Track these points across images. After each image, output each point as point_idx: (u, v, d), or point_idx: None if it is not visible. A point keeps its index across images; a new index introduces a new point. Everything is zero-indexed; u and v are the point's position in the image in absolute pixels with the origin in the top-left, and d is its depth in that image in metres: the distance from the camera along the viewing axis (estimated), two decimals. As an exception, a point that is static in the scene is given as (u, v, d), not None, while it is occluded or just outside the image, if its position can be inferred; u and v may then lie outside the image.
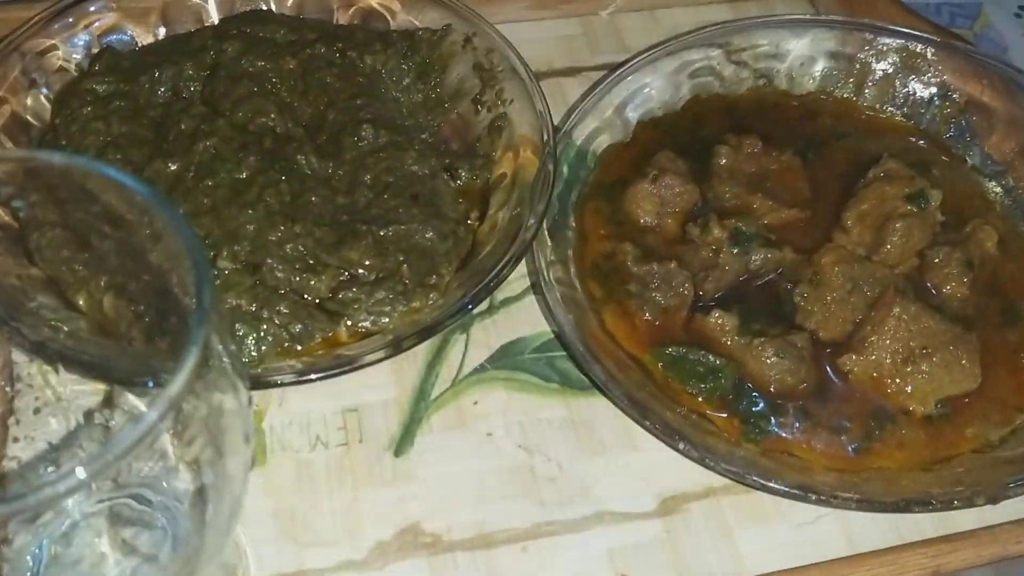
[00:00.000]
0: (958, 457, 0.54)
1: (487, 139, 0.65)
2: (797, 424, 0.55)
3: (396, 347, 0.53)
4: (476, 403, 0.57)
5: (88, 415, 0.47)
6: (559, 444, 0.56)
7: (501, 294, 0.62)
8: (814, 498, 0.50)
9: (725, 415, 0.55)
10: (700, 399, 0.56)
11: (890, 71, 0.70)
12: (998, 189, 0.67)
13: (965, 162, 0.68)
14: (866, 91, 0.71)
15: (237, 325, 0.54)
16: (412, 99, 0.68)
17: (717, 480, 0.54)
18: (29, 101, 0.64)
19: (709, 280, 0.59)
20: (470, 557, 0.52)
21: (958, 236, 0.62)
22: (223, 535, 0.39)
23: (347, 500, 0.53)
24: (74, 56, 0.66)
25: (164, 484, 0.44)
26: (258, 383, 0.52)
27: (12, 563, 0.43)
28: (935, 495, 0.50)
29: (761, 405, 0.56)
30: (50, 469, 0.46)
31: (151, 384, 0.45)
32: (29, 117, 0.63)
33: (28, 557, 0.43)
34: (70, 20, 0.66)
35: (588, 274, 0.61)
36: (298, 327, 0.55)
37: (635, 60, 0.68)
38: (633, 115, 0.68)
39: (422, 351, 0.59)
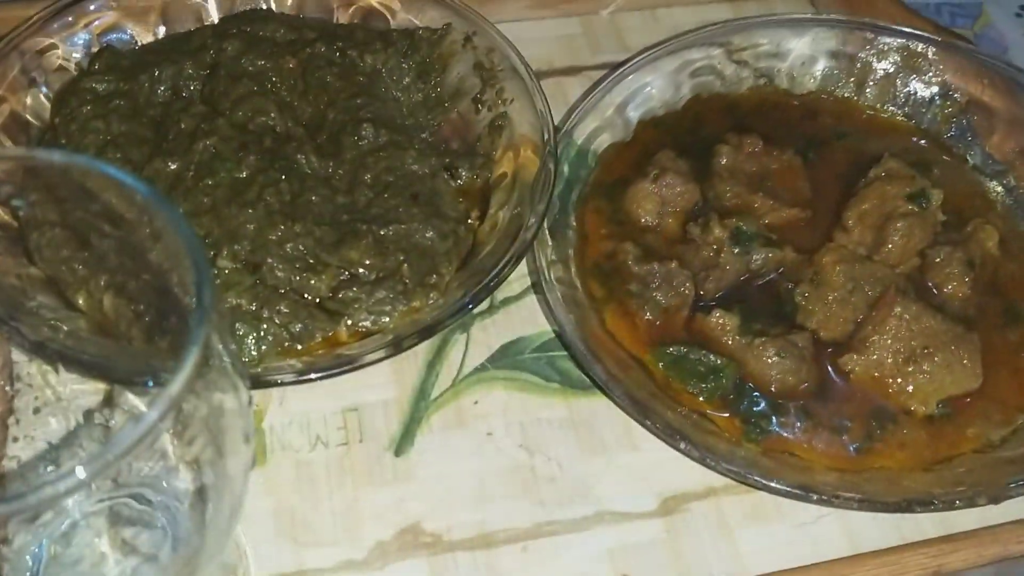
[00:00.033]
0: (959, 457, 0.54)
1: (487, 138, 0.65)
2: (798, 424, 0.55)
3: (396, 347, 0.53)
4: (476, 403, 0.57)
5: (88, 415, 0.46)
6: (560, 444, 0.56)
7: (501, 294, 0.62)
8: (815, 498, 0.50)
9: (726, 415, 0.55)
10: (701, 399, 0.56)
11: (891, 70, 0.70)
12: (999, 189, 0.67)
13: (966, 162, 0.68)
14: (867, 90, 0.71)
15: (237, 324, 0.54)
16: (412, 98, 0.68)
17: (718, 480, 0.54)
18: (29, 100, 0.63)
19: (710, 280, 0.59)
20: (470, 557, 0.52)
21: (959, 236, 0.62)
22: (223, 535, 0.39)
23: (347, 500, 0.53)
24: (74, 55, 0.66)
25: (164, 484, 0.44)
26: (258, 383, 0.52)
27: (12, 563, 0.43)
28: (936, 495, 0.50)
29: (762, 405, 0.55)
30: (50, 469, 0.46)
31: (151, 384, 0.45)
32: (28, 116, 0.63)
33: (28, 557, 0.43)
34: (70, 19, 0.66)
35: (589, 274, 0.60)
36: (298, 326, 0.55)
37: (636, 59, 0.68)
38: (634, 114, 0.68)
39: (422, 351, 0.59)
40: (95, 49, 0.66)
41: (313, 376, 0.52)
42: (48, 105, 0.64)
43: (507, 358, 0.59)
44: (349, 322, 0.56)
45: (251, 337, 0.54)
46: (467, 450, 0.55)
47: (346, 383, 0.55)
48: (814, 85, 0.72)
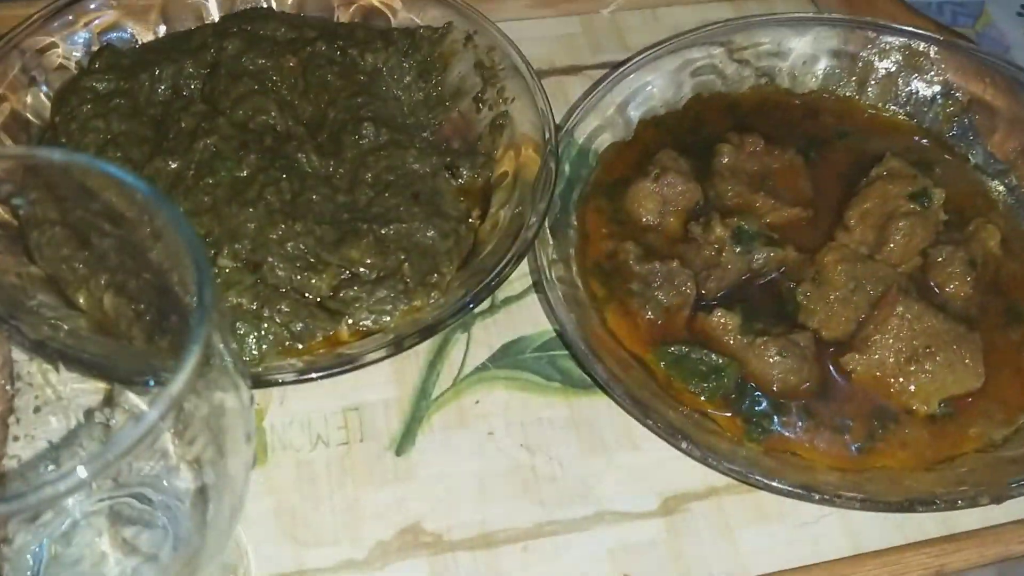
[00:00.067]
0: (961, 457, 0.54)
1: (488, 137, 0.65)
2: (800, 423, 0.55)
3: (397, 346, 0.53)
4: (477, 402, 0.57)
5: (88, 414, 0.46)
6: (561, 443, 0.56)
7: (502, 293, 0.62)
8: (817, 498, 0.50)
9: (728, 414, 0.55)
10: (702, 398, 0.55)
11: (892, 70, 0.70)
12: (1001, 188, 0.67)
13: (968, 161, 0.68)
14: (868, 90, 0.71)
15: (238, 324, 0.54)
16: (413, 97, 0.68)
17: (719, 480, 0.54)
18: (29, 99, 0.63)
19: (711, 279, 0.59)
20: (471, 557, 0.52)
21: (961, 235, 0.62)
22: (224, 534, 0.39)
23: (348, 499, 0.53)
24: (74, 54, 0.66)
25: (165, 483, 0.44)
26: (259, 382, 0.52)
27: (12, 562, 0.42)
28: (938, 495, 0.50)
29: (764, 404, 0.55)
30: (50, 468, 0.46)
31: (152, 383, 0.45)
32: (29, 115, 0.63)
33: (28, 556, 0.43)
34: (70, 18, 0.66)
35: (590, 273, 0.60)
36: (299, 326, 0.55)
37: (637, 58, 0.68)
38: (635, 113, 0.68)
39: (423, 350, 0.59)
40: (95, 48, 0.66)
41: (314, 375, 0.52)
42: (48, 104, 0.64)
43: (508, 357, 0.59)
44: (350, 321, 0.56)
45: (252, 336, 0.54)
46: (468, 450, 0.55)
47: (347, 382, 0.55)
48: (815, 84, 0.71)
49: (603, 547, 0.52)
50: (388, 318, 0.56)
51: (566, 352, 0.59)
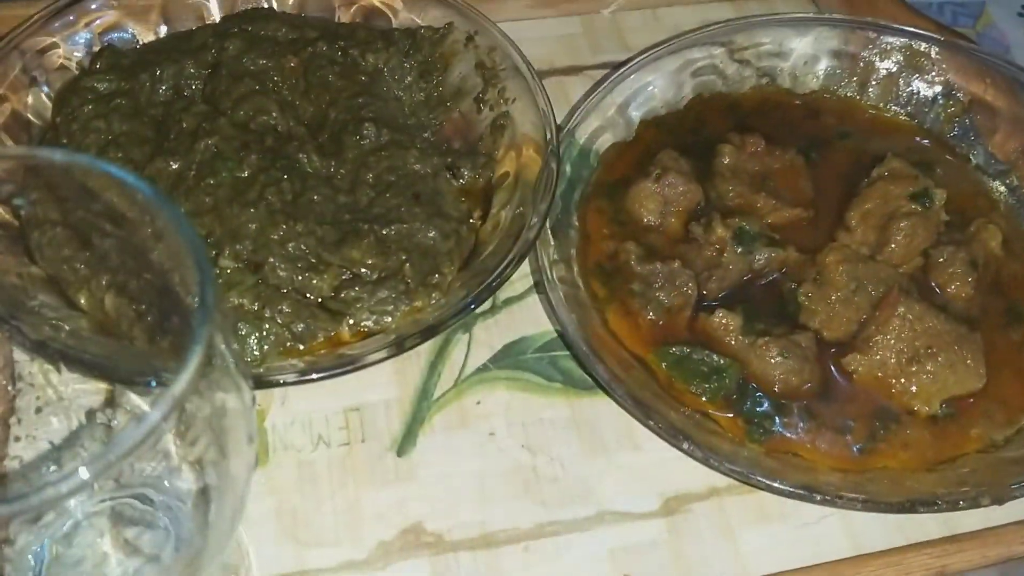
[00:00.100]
0: (963, 457, 0.54)
1: (489, 138, 0.65)
2: (801, 424, 0.55)
3: (398, 347, 0.53)
4: (479, 403, 0.57)
5: (90, 414, 0.46)
6: (562, 444, 0.56)
7: (504, 293, 0.62)
8: (819, 498, 0.50)
9: (729, 415, 0.55)
10: (704, 399, 0.55)
11: (893, 70, 0.70)
12: (1002, 188, 0.67)
13: (969, 161, 0.68)
14: (869, 90, 0.71)
15: (239, 324, 0.54)
16: (414, 98, 0.68)
17: (721, 480, 0.54)
18: (30, 99, 0.63)
19: (713, 279, 0.59)
20: (472, 557, 0.52)
21: (962, 236, 0.62)
22: (225, 535, 0.39)
23: (349, 500, 0.53)
24: (75, 54, 0.66)
25: (167, 484, 0.44)
26: (260, 383, 0.52)
27: (14, 563, 0.42)
28: (940, 496, 0.50)
29: (765, 405, 0.55)
30: (52, 469, 0.46)
31: (153, 384, 0.45)
32: (30, 115, 0.63)
33: (30, 557, 0.43)
34: (71, 18, 0.66)
35: (591, 273, 0.60)
36: (300, 326, 0.55)
37: (638, 59, 0.68)
38: (636, 114, 0.68)
39: (425, 351, 0.59)
40: (96, 48, 0.66)
41: (315, 376, 0.52)
42: (49, 104, 0.64)
43: (509, 358, 0.59)
44: (351, 322, 0.56)
45: (253, 337, 0.54)
46: (469, 450, 0.55)
47: (348, 383, 0.55)
48: (816, 84, 0.71)
49: (604, 547, 0.52)
50: (389, 319, 0.56)
51: (567, 353, 0.59)
